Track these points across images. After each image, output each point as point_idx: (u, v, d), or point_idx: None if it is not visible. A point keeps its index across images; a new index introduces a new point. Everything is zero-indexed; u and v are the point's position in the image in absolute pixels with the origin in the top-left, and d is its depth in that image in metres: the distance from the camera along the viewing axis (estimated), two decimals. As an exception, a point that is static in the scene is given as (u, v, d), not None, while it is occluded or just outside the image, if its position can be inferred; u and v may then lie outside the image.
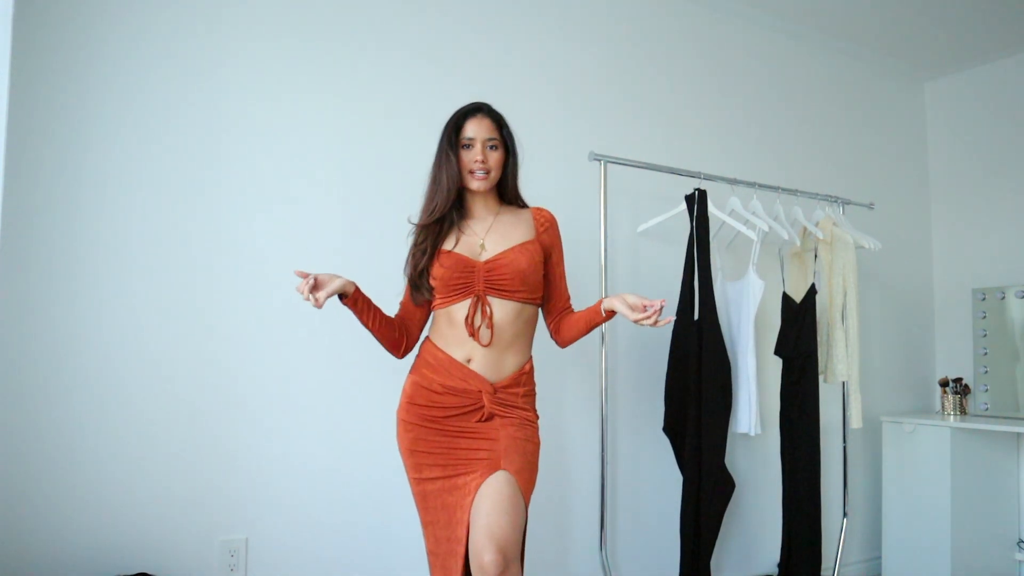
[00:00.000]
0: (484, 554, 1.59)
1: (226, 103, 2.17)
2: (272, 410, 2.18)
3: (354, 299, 1.83)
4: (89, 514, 1.93)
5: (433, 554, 1.80)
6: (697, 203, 2.61)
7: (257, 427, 2.15)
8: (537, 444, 1.84)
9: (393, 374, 2.28)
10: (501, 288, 1.82)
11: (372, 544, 2.29)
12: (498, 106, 2.59)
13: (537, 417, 1.90)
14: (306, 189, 2.28)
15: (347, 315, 2.27)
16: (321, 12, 2.33)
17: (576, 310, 1.99)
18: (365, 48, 2.40)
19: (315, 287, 1.72)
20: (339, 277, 1.77)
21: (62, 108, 1.95)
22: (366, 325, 1.88)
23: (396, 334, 1.93)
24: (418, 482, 1.82)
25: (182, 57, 2.11)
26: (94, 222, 1.98)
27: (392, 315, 1.95)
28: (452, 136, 1.87)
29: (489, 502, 1.66)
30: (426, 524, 1.82)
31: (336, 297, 1.82)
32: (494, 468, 1.72)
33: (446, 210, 1.85)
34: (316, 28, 2.32)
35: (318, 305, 1.72)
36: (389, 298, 2.28)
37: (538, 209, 1.96)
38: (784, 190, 2.87)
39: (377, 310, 1.89)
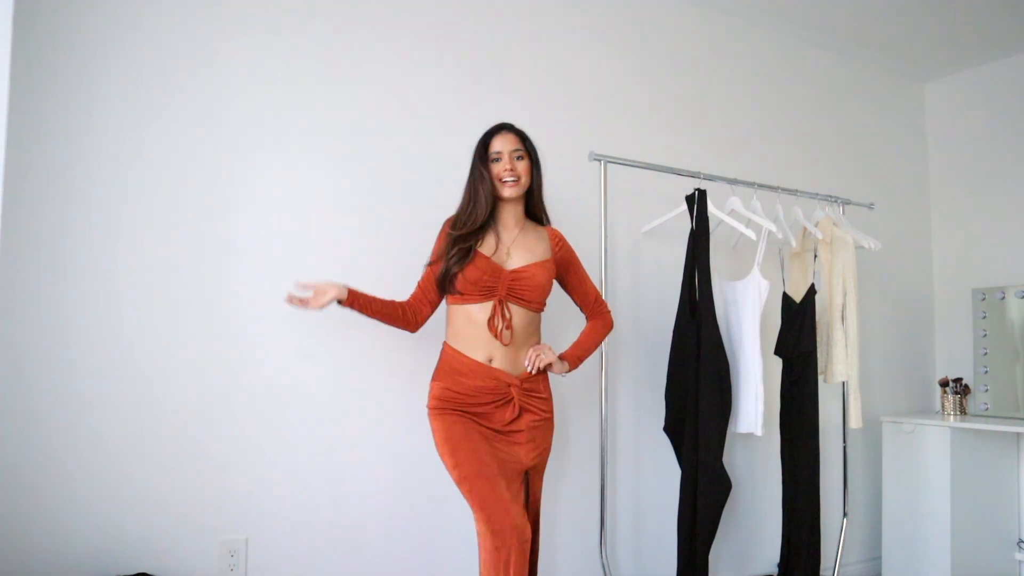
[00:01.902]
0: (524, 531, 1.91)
1: (227, 101, 2.17)
2: (272, 410, 2.18)
3: (350, 302, 2.02)
4: (89, 514, 1.93)
5: (488, 521, 1.90)
6: (697, 203, 2.61)
7: (257, 427, 2.15)
8: (551, 432, 2.14)
9: (393, 374, 2.28)
10: (521, 297, 2.04)
11: (372, 544, 2.29)
12: (499, 105, 2.61)
13: (552, 398, 2.16)
14: (307, 189, 2.27)
15: (346, 316, 2.28)
16: (326, 7, 2.33)
17: (608, 312, 2.30)
18: (367, 45, 2.39)
19: (314, 298, 1.96)
20: (334, 285, 1.98)
21: (62, 107, 1.95)
22: (369, 316, 2.07)
23: (400, 316, 2.10)
24: (466, 460, 1.95)
25: (182, 55, 2.11)
26: (94, 223, 1.98)
27: (390, 299, 2.12)
28: (482, 153, 2.09)
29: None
30: (479, 497, 1.92)
31: (335, 303, 2.01)
32: (520, 470, 2.04)
33: (484, 219, 2.05)
34: (320, 23, 2.32)
35: (314, 308, 1.98)
36: (394, 294, 2.29)
37: (552, 229, 2.20)
38: (784, 190, 2.87)
39: (374, 302, 2.06)
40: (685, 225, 2.69)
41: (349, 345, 2.29)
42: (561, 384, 2.66)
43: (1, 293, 1.86)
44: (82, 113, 1.98)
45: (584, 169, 2.69)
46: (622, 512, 2.78)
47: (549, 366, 2.11)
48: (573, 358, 2.18)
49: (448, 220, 2.09)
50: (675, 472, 2.66)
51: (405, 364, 2.34)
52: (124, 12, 2.04)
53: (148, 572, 1.96)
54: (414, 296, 2.12)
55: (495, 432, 2.02)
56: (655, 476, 2.86)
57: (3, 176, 1.73)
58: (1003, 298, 3.50)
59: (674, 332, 2.65)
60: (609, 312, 2.29)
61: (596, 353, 2.60)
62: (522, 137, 2.12)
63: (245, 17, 2.21)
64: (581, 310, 2.29)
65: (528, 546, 1.90)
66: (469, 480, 1.92)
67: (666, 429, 2.66)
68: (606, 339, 2.36)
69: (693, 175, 2.67)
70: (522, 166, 2.09)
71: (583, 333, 2.24)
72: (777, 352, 2.87)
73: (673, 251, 2.90)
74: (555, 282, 2.20)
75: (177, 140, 2.09)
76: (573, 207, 2.71)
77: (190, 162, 2.11)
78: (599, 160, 2.53)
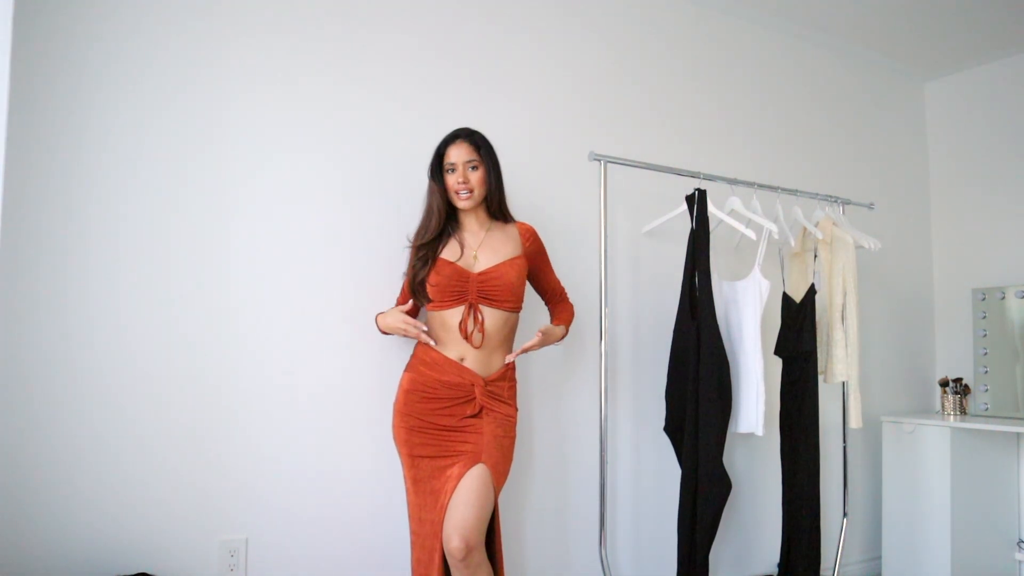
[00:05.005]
0: (451, 541, 1.90)
1: (227, 101, 2.16)
2: (272, 410, 2.18)
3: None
4: (89, 514, 1.93)
5: (416, 533, 2.05)
6: (697, 203, 2.61)
7: (257, 427, 2.15)
8: (513, 438, 2.13)
9: (390, 375, 2.28)
10: (492, 298, 2.08)
11: (371, 543, 2.29)
12: (499, 105, 2.61)
13: (517, 411, 2.18)
14: (307, 189, 2.27)
15: (343, 317, 2.28)
16: (326, 7, 2.33)
17: (570, 301, 2.37)
18: (367, 45, 2.39)
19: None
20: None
21: (62, 107, 1.95)
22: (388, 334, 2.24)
23: None
24: (412, 465, 2.07)
25: (182, 55, 2.11)
26: (94, 223, 1.98)
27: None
28: (437, 164, 2.15)
29: (462, 495, 1.95)
30: (413, 506, 2.06)
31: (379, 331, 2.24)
32: (476, 460, 2.00)
33: (439, 231, 2.13)
34: (321, 23, 2.31)
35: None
36: (387, 298, 2.30)
37: (521, 224, 2.24)
38: (784, 190, 2.87)
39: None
40: (685, 225, 2.69)
41: (349, 345, 2.29)
42: (561, 383, 2.66)
43: (1, 293, 1.86)
44: (82, 113, 1.98)
45: (584, 169, 2.69)
46: (622, 512, 2.78)
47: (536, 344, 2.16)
48: (568, 329, 2.31)
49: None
50: (675, 472, 2.66)
51: (402, 365, 2.34)
52: (124, 12, 2.04)
53: (148, 572, 1.96)
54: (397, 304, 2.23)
55: (450, 429, 2.05)
56: (655, 476, 2.86)
57: (3, 176, 1.74)
58: (1003, 298, 3.50)
59: (674, 332, 2.65)
60: (570, 300, 2.38)
61: (596, 353, 2.60)
62: (477, 145, 2.13)
63: (245, 17, 2.21)
64: (545, 301, 2.36)
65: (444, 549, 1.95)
66: (415, 495, 2.06)
67: (666, 429, 2.66)
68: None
69: (693, 175, 2.67)
70: (476, 177, 2.11)
71: (564, 311, 2.32)
72: (777, 352, 2.87)
73: (673, 251, 2.90)
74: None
75: (177, 140, 2.09)
76: (573, 207, 2.71)
77: (190, 162, 2.11)
78: (599, 160, 2.53)
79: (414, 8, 2.49)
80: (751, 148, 3.27)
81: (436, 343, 2.12)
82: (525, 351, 2.16)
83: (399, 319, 2.13)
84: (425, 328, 2.10)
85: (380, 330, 2.23)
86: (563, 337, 2.29)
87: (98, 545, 1.93)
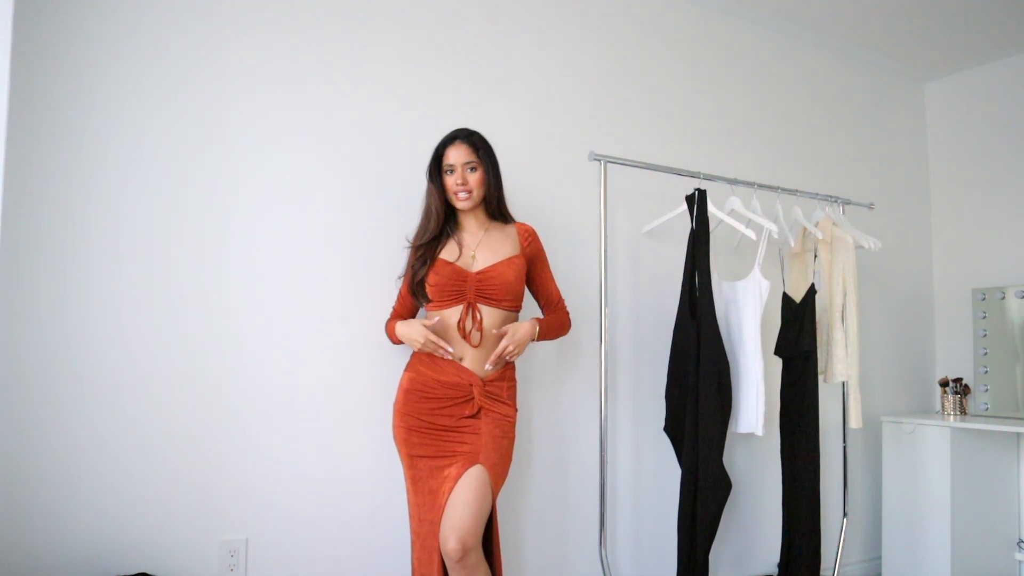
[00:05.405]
0: (447, 542, 1.90)
1: (227, 102, 2.16)
2: (272, 410, 2.18)
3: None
4: (89, 514, 1.93)
5: (416, 533, 2.06)
6: (697, 203, 2.61)
7: (257, 427, 2.15)
8: (512, 439, 2.13)
9: (390, 375, 2.28)
10: (490, 297, 2.08)
11: (371, 543, 2.29)
12: (499, 105, 2.61)
13: (516, 411, 2.16)
14: (307, 190, 2.27)
15: (343, 317, 2.28)
16: (327, 7, 2.33)
17: (567, 311, 2.33)
18: (367, 45, 2.39)
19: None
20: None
21: (62, 107, 1.95)
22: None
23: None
24: (411, 465, 2.07)
25: (182, 55, 2.11)
26: (94, 223, 1.98)
27: (390, 322, 2.23)
28: (435, 165, 2.15)
29: (459, 496, 1.95)
30: (413, 506, 2.07)
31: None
32: (474, 461, 2.01)
33: (438, 232, 2.13)
34: (321, 23, 2.32)
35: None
36: (387, 298, 2.30)
37: (521, 224, 2.24)
38: (784, 190, 2.87)
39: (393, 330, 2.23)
40: (685, 225, 2.69)
41: (349, 345, 2.29)
42: (561, 383, 2.66)
43: (1, 293, 1.86)
44: (82, 113, 1.98)
45: (584, 169, 2.69)
46: (622, 512, 2.78)
47: (509, 350, 2.07)
48: (543, 325, 2.19)
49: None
50: (675, 472, 2.66)
51: (402, 364, 2.34)
52: (124, 12, 2.04)
53: (148, 572, 1.96)
54: (395, 311, 2.23)
55: (448, 430, 2.05)
56: (655, 476, 2.86)
57: (3, 176, 1.74)
58: (1003, 298, 3.50)
59: (674, 332, 2.65)
60: (569, 314, 2.32)
61: (596, 353, 2.60)
62: (475, 147, 2.12)
63: (245, 17, 2.21)
64: (541, 308, 2.31)
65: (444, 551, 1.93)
66: (414, 495, 2.06)
67: (666, 429, 2.66)
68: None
69: (693, 175, 2.67)
70: (475, 178, 2.11)
71: (552, 318, 2.24)
72: (777, 352, 2.87)
73: (673, 251, 2.90)
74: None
75: (177, 140, 2.09)
76: (573, 207, 2.71)
77: (190, 162, 2.11)
78: (599, 160, 2.53)
79: (414, 8, 2.49)
80: (751, 148, 3.27)
81: None
82: (500, 356, 2.07)
83: (420, 333, 2.04)
84: (451, 349, 2.04)
85: (395, 339, 2.18)
86: (537, 334, 2.15)
87: (98, 545, 1.93)
